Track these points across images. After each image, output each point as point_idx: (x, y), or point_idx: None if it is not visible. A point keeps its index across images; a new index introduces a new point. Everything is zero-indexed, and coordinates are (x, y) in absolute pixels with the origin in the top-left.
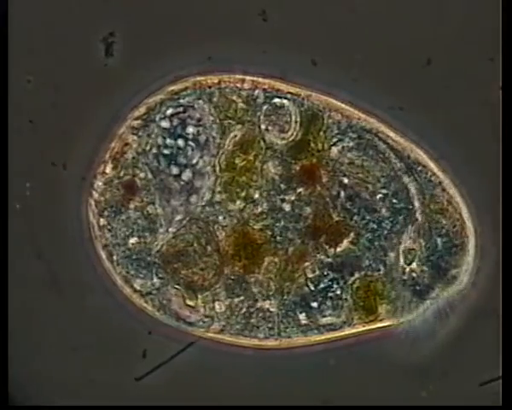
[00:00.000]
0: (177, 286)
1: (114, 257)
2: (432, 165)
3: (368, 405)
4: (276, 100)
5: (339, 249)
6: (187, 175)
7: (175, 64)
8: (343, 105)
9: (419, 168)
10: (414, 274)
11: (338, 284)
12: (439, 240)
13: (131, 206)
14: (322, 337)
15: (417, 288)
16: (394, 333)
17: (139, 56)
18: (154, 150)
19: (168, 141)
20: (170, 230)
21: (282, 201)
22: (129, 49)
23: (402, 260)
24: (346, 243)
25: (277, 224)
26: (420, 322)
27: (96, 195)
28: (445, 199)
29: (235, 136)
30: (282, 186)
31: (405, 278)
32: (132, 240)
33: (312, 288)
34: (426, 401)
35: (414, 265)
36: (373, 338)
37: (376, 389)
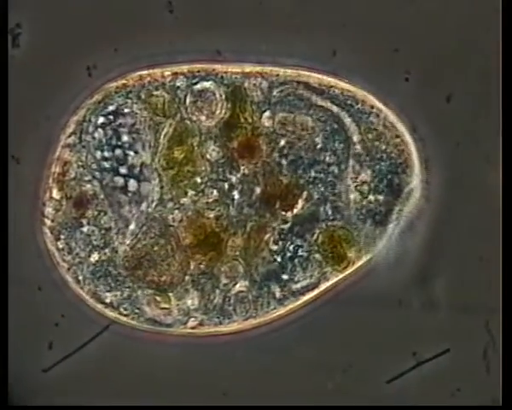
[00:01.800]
0: (147, 292)
1: (80, 277)
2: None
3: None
4: (198, 85)
5: (295, 211)
6: (132, 185)
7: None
8: (257, 68)
9: (348, 102)
10: (370, 205)
11: (302, 247)
12: (383, 164)
13: (85, 221)
14: (301, 302)
15: (377, 217)
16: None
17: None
18: (94, 166)
19: (106, 154)
20: (127, 239)
21: (230, 182)
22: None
23: (356, 197)
24: (300, 202)
25: (230, 206)
26: (389, 246)
27: (48, 222)
28: (380, 124)
29: (168, 131)
30: (225, 167)
31: (363, 213)
32: (94, 256)
33: (279, 259)
34: None
35: (370, 197)
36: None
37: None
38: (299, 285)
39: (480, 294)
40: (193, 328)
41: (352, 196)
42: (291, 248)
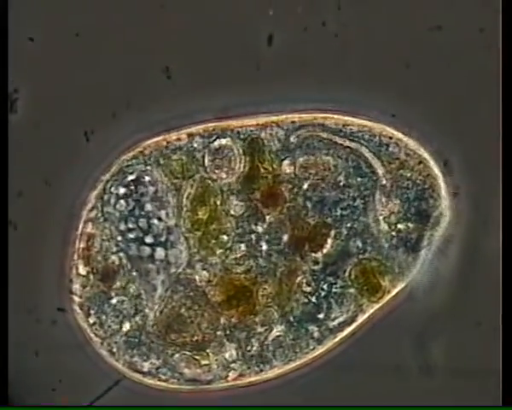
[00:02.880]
0: (183, 353)
1: (114, 349)
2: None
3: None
4: (215, 143)
5: (325, 250)
6: (159, 254)
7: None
8: (271, 117)
9: (366, 136)
10: (400, 234)
11: (336, 284)
12: (411, 194)
13: (113, 292)
14: (339, 338)
15: (409, 244)
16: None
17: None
18: (119, 237)
19: (130, 225)
20: (155, 304)
21: (256, 233)
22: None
23: (386, 227)
24: (329, 241)
25: (259, 257)
26: (424, 272)
27: (77, 298)
28: (402, 152)
29: (189, 193)
30: (251, 220)
31: (394, 242)
32: (125, 326)
33: (314, 300)
34: None
35: (399, 225)
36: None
37: None
38: (336, 322)
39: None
40: (234, 379)
41: (381, 227)
42: (325, 287)
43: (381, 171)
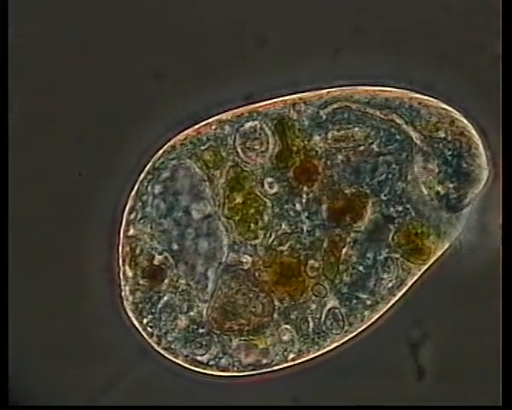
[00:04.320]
0: (241, 339)
1: (173, 346)
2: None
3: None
4: (244, 127)
5: (366, 219)
6: (202, 245)
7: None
8: (298, 95)
9: (396, 103)
10: (441, 195)
11: (381, 250)
12: (448, 154)
13: (163, 288)
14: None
15: (450, 204)
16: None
17: None
18: (161, 235)
19: (170, 221)
20: (207, 296)
21: (295, 210)
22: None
23: (426, 191)
24: (369, 210)
25: (301, 234)
26: (468, 229)
27: (128, 303)
28: (435, 115)
29: (224, 180)
30: (289, 197)
31: (435, 203)
32: (181, 321)
33: (361, 269)
34: None
35: (439, 187)
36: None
37: None
38: (386, 288)
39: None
40: (294, 359)
41: (421, 190)
42: (369, 255)
43: (414, 135)
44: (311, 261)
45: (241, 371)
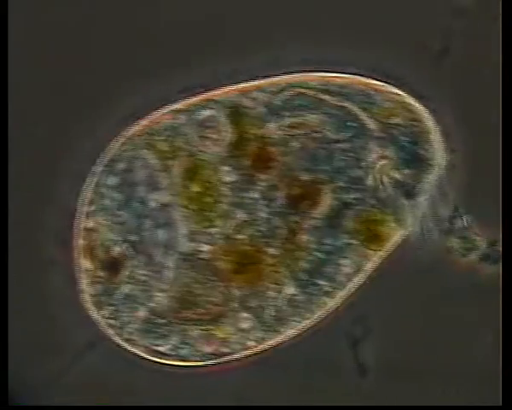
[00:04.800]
0: (201, 329)
1: (133, 337)
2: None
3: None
4: (199, 116)
5: (325, 206)
6: (160, 235)
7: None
8: (253, 83)
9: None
10: (397, 181)
11: (338, 237)
12: (404, 140)
13: (122, 279)
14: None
15: (407, 190)
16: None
17: None
18: (119, 227)
19: (127, 212)
20: (165, 285)
21: (253, 198)
22: None
23: (382, 177)
24: (327, 196)
25: (259, 221)
26: (423, 216)
27: (87, 296)
28: (390, 101)
29: (180, 170)
30: (245, 186)
31: (392, 190)
32: (141, 312)
33: (320, 255)
34: None
35: (395, 174)
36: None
37: None
38: (345, 274)
39: None
40: (254, 347)
41: (377, 177)
42: (328, 241)
43: (370, 121)
44: (270, 249)
45: (202, 361)
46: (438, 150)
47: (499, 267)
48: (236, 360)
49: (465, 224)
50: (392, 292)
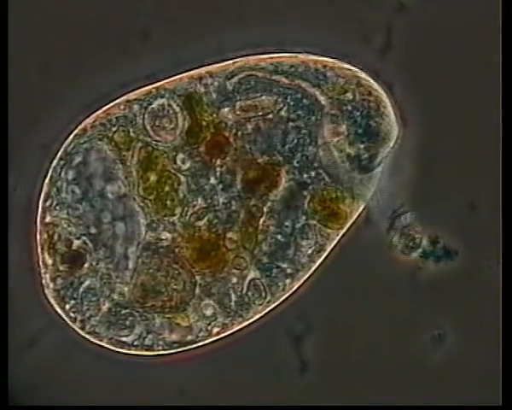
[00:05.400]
0: (164, 317)
1: (97, 329)
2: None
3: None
4: (152, 106)
5: (281, 188)
6: (120, 227)
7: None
8: (204, 69)
9: (300, 69)
10: (352, 156)
11: (298, 218)
12: (357, 114)
13: (84, 272)
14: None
15: (362, 165)
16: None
17: None
18: (77, 220)
19: (85, 206)
20: (128, 276)
21: (210, 184)
22: None
23: (337, 154)
24: (283, 178)
25: (218, 207)
26: (382, 188)
27: (49, 290)
28: (341, 77)
29: (135, 160)
30: (201, 172)
31: (347, 165)
32: (104, 304)
33: (280, 238)
34: None
35: (350, 149)
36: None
37: None
38: (306, 255)
39: None
40: (218, 333)
41: (332, 154)
42: (287, 223)
43: (322, 98)
44: (230, 234)
45: (167, 350)
46: (391, 122)
47: (444, 264)
48: (201, 347)
49: (407, 221)
50: (334, 289)
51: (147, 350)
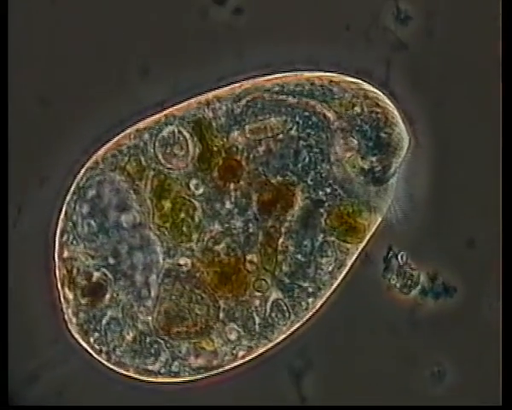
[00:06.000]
0: (190, 343)
1: (122, 359)
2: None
3: None
4: (162, 133)
5: (297, 207)
6: (138, 257)
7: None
8: (211, 94)
9: (306, 87)
10: (366, 169)
11: (316, 236)
12: (366, 127)
13: (105, 304)
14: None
15: (376, 177)
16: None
17: None
18: (95, 253)
19: (102, 238)
20: (149, 304)
21: (226, 209)
22: None
23: (350, 168)
24: (298, 197)
25: (235, 230)
26: (397, 199)
27: (73, 325)
28: (348, 92)
29: (149, 189)
30: (217, 197)
31: (361, 179)
32: (128, 334)
33: (300, 257)
34: None
35: (362, 163)
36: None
37: None
38: (327, 272)
39: None
40: (244, 356)
41: (346, 169)
42: (306, 242)
43: (330, 115)
44: (249, 257)
45: (193, 375)
46: (401, 132)
47: (443, 301)
48: (227, 371)
49: (402, 260)
50: (333, 327)
51: (174, 377)
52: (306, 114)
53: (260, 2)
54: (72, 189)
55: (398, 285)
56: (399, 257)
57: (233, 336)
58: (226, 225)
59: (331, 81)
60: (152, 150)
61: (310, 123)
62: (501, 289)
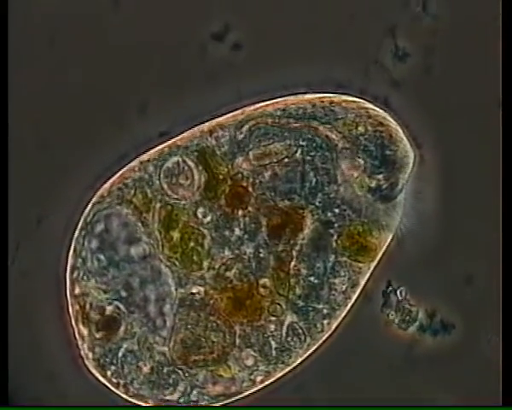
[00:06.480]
0: (207, 371)
1: (141, 392)
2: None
3: None
4: (167, 164)
5: (307, 230)
6: (150, 289)
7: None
8: (213, 121)
9: (308, 111)
10: (373, 188)
11: (328, 257)
12: (371, 147)
13: (120, 336)
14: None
15: (384, 195)
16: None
17: None
18: (107, 287)
19: (113, 272)
20: (165, 334)
21: (236, 235)
22: None
23: (357, 188)
24: (307, 220)
25: (245, 256)
26: (407, 216)
27: (89, 361)
28: (350, 112)
29: (157, 221)
30: (226, 224)
31: (369, 198)
32: (145, 365)
33: (313, 279)
34: None
35: (369, 182)
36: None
37: None
38: (341, 293)
39: None
40: (262, 381)
41: (354, 188)
42: (319, 264)
43: (334, 136)
44: (262, 281)
45: (212, 403)
46: (405, 148)
47: (441, 338)
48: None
49: (401, 296)
50: (331, 364)
51: (193, 406)
52: (309, 136)
53: (259, 38)
54: (80, 224)
55: (396, 320)
56: (398, 292)
57: (250, 362)
58: (237, 252)
59: (332, 102)
60: (157, 181)
61: (314, 145)
62: (500, 325)
